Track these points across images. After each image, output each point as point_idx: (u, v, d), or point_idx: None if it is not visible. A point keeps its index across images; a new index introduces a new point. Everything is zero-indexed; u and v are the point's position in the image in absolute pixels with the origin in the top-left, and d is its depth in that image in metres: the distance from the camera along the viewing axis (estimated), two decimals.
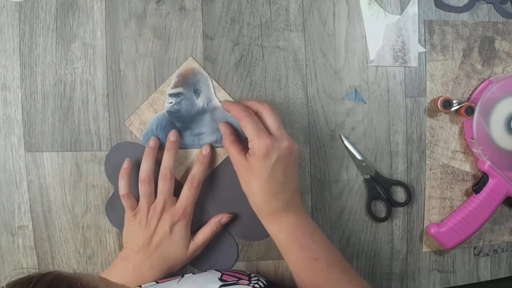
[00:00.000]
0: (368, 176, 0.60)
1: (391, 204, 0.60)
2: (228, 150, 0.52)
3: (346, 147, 0.60)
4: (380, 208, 0.61)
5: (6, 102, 0.57)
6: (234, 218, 0.59)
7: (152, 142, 0.56)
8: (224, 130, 0.55)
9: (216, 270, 0.53)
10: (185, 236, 0.54)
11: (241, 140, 0.53)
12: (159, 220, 0.53)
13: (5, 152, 0.58)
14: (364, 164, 0.60)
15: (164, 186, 0.53)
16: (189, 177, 0.55)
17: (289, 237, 0.50)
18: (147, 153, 0.55)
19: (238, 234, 0.59)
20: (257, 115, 0.51)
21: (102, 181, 0.58)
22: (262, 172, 0.49)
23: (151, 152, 0.55)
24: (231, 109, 0.53)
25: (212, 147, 0.57)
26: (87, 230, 0.58)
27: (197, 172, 0.55)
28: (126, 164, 0.55)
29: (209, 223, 0.57)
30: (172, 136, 0.56)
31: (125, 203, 0.54)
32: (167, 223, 0.53)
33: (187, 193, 0.54)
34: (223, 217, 0.57)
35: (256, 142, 0.48)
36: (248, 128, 0.49)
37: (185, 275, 0.52)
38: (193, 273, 0.55)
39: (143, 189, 0.54)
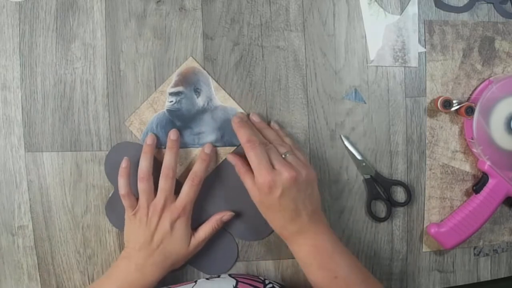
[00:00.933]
0: (368, 176, 0.60)
1: (391, 204, 0.60)
2: (244, 181, 0.52)
3: (346, 147, 0.60)
4: (380, 208, 0.61)
5: (6, 102, 0.57)
6: (234, 218, 0.58)
7: (149, 139, 0.56)
8: (235, 162, 0.54)
9: (230, 276, 0.53)
10: (186, 233, 0.54)
11: None
12: (159, 218, 0.53)
13: (5, 152, 0.58)
14: (364, 164, 0.60)
15: (165, 184, 0.53)
16: (190, 174, 0.55)
17: (308, 258, 0.51)
18: (145, 150, 0.55)
19: (238, 234, 0.59)
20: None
21: (102, 181, 0.58)
22: (272, 205, 0.50)
23: (149, 150, 0.55)
24: (238, 133, 0.53)
25: (214, 146, 0.57)
26: (87, 230, 0.58)
27: (198, 170, 0.55)
28: (124, 163, 0.55)
29: (211, 220, 0.57)
30: (173, 135, 0.56)
31: (125, 202, 0.54)
32: (168, 221, 0.53)
33: (188, 190, 0.54)
34: (224, 215, 0.57)
35: (258, 179, 0.49)
36: (251, 162, 0.50)
37: (198, 281, 0.52)
38: (207, 279, 0.55)
39: (142, 186, 0.54)
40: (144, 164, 0.54)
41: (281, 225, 0.51)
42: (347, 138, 0.60)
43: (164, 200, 0.53)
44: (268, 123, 0.58)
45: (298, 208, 0.50)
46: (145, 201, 0.54)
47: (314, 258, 0.51)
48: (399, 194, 0.61)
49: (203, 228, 0.56)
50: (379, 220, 0.60)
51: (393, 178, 0.61)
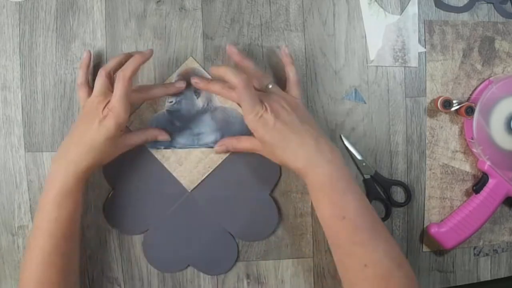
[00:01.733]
0: (368, 176, 0.60)
1: (391, 204, 0.60)
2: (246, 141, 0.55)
3: (346, 147, 0.60)
4: (380, 208, 0.61)
5: (6, 102, 0.57)
6: (234, 218, 0.59)
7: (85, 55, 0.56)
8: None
9: None
10: (114, 131, 0.50)
11: None
12: (92, 117, 0.50)
13: (5, 152, 0.58)
14: (364, 164, 0.60)
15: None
16: (118, 72, 0.51)
17: (321, 191, 0.49)
18: (118, 56, 0.54)
19: (238, 234, 0.59)
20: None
21: (102, 181, 0.58)
22: (273, 137, 0.50)
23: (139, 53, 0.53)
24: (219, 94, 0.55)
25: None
26: (87, 230, 0.58)
27: (126, 67, 0.51)
28: (85, 54, 0.55)
29: (147, 132, 0.56)
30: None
31: (78, 92, 0.54)
32: (97, 119, 0.50)
33: (117, 85, 0.50)
34: (160, 135, 0.56)
35: (248, 116, 0.50)
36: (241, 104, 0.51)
37: None
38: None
39: (100, 81, 0.52)
40: (114, 64, 0.54)
41: (293, 155, 0.50)
42: (347, 138, 0.60)
43: (102, 97, 0.51)
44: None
45: (299, 131, 0.50)
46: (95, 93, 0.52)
47: (326, 192, 0.49)
48: (399, 194, 0.61)
49: (136, 135, 0.55)
50: None
51: (393, 178, 0.61)
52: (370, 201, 0.60)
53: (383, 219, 0.60)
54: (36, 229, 0.50)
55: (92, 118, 0.50)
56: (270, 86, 0.53)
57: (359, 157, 0.60)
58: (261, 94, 0.52)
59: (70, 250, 0.51)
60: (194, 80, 0.56)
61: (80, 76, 0.55)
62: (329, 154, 0.50)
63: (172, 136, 0.58)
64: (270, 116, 0.49)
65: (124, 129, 0.53)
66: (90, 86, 0.54)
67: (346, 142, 0.60)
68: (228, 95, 0.54)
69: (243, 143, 0.55)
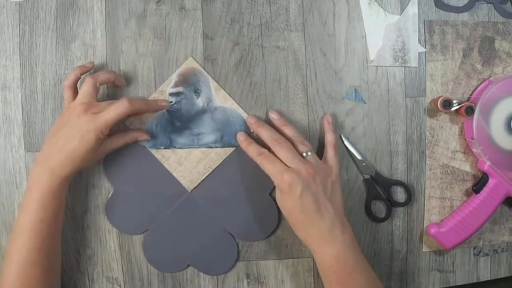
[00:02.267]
0: (368, 176, 0.60)
1: (391, 204, 0.60)
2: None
3: (346, 147, 0.60)
4: (380, 208, 0.61)
5: (6, 102, 0.57)
6: (234, 218, 0.59)
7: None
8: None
9: None
10: (94, 144, 0.51)
11: None
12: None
13: (5, 152, 0.58)
14: (364, 164, 0.60)
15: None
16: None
17: (329, 270, 0.51)
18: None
19: (238, 234, 0.59)
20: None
21: (102, 181, 0.58)
22: (294, 206, 0.51)
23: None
24: (248, 152, 0.55)
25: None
26: (87, 230, 0.58)
27: (97, 74, 0.53)
28: (89, 64, 0.56)
29: (127, 135, 0.56)
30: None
31: (66, 93, 0.54)
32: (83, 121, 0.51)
33: (117, 106, 0.51)
34: (141, 136, 0.56)
35: (277, 181, 0.51)
36: (267, 170, 0.52)
37: None
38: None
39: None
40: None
41: (305, 229, 0.51)
42: (347, 138, 0.60)
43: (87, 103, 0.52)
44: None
45: (320, 210, 0.50)
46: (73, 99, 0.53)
47: (334, 272, 0.51)
48: (399, 194, 0.61)
49: (117, 139, 0.55)
50: (378, 220, 0.60)
51: (393, 178, 0.61)
52: (370, 201, 0.60)
53: (383, 219, 0.60)
54: (20, 228, 0.50)
55: (75, 128, 0.50)
56: (309, 154, 0.53)
57: (359, 157, 0.59)
58: (298, 161, 0.51)
59: (54, 249, 0.52)
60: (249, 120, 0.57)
61: (70, 78, 0.54)
62: (341, 236, 0.51)
63: (172, 136, 0.58)
64: (298, 186, 0.50)
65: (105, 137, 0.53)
66: (77, 90, 0.55)
67: (346, 142, 0.60)
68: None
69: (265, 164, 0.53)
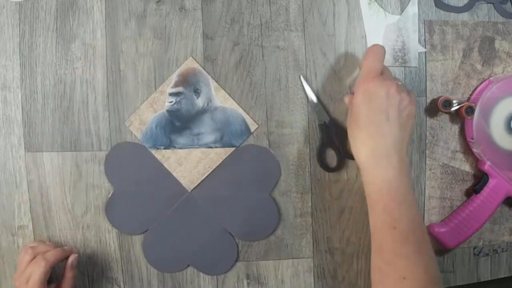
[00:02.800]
0: (322, 122, 0.58)
1: (345, 155, 0.58)
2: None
3: (304, 90, 0.58)
4: (332, 157, 0.59)
5: (6, 102, 0.57)
6: (234, 218, 0.59)
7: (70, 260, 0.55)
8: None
9: None
10: None
11: None
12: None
13: (5, 152, 0.58)
14: (317, 109, 0.58)
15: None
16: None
17: (377, 195, 0.49)
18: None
19: (238, 234, 0.59)
20: None
21: (102, 181, 0.58)
22: (365, 103, 0.49)
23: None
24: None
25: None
26: (87, 230, 0.58)
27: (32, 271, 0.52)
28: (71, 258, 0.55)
29: (65, 273, 0.55)
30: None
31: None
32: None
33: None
34: (72, 260, 0.55)
35: (367, 69, 0.50)
36: (368, 60, 0.51)
37: None
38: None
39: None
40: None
41: (364, 140, 0.49)
42: (306, 79, 0.58)
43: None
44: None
45: (387, 125, 0.48)
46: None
47: (382, 198, 0.48)
48: None
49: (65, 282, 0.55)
50: (328, 170, 0.59)
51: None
52: (323, 149, 0.59)
53: (334, 169, 0.59)
54: None
55: None
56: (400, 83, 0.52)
57: (315, 100, 0.58)
58: (394, 80, 0.50)
59: None
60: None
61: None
62: (398, 161, 0.48)
63: (172, 136, 0.58)
64: (382, 89, 0.48)
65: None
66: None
67: (304, 84, 0.58)
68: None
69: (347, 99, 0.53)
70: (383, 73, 0.51)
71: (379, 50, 0.52)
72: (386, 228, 0.48)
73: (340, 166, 0.59)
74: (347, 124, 0.52)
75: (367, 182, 0.50)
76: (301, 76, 0.58)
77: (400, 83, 0.51)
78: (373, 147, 0.49)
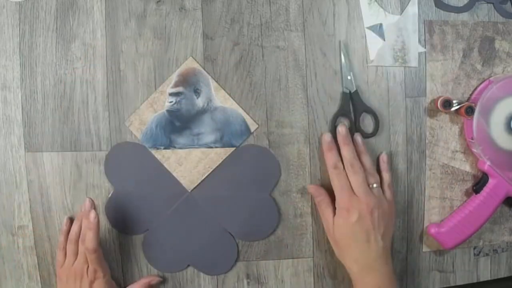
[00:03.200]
0: (347, 91, 0.59)
1: (356, 129, 0.59)
2: (322, 213, 0.57)
3: (341, 57, 0.59)
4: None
5: (6, 102, 0.57)
6: (234, 218, 0.59)
7: (92, 215, 0.54)
8: (317, 194, 0.58)
9: None
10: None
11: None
12: (80, 281, 0.54)
13: (5, 152, 0.58)
14: (349, 76, 0.59)
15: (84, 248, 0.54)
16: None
17: None
18: (79, 217, 0.57)
19: (238, 234, 0.59)
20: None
21: (102, 181, 0.58)
22: (346, 232, 0.54)
23: (84, 215, 0.56)
24: (326, 156, 0.57)
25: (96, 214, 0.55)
26: None
27: (89, 241, 0.53)
28: (64, 225, 0.57)
29: (139, 284, 0.58)
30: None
31: (57, 256, 0.56)
32: (86, 284, 0.54)
33: (89, 257, 0.54)
34: (153, 280, 0.58)
35: (338, 200, 0.54)
36: (334, 185, 0.55)
37: None
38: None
39: (71, 248, 0.55)
40: (76, 228, 0.56)
41: (352, 257, 0.54)
42: (346, 54, 0.59)
43: (82, 263, 0.54)
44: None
45: (369, 240, 0.53)
46: (71, 262, 0.55)
47: None
48: (367, 122, 0.60)
49: None
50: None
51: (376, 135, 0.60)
52: (339, 116, 0.59)
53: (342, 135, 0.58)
54: None
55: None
56: (375, 186, 0.55)
57: (348, 67, 0.59)
58: (364, 191, 0.54)
59: None
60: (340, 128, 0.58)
61: (61, 241, 0.56)
62: (385, 267, 0.54)
63: (172, 136, 0.58)
64: (355, 214, 0.53)
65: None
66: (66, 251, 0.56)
67: (342, 48, 0.59)
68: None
69: (325, 210, 0.57)
70: (353, 165, 0.55)
71: (325, 140, 0.58)
72: None
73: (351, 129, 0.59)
74: (331, 242, 0.57)
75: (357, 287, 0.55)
76: (341, 41, 0.59)
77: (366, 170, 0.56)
78: (363, 263, 0.53)
